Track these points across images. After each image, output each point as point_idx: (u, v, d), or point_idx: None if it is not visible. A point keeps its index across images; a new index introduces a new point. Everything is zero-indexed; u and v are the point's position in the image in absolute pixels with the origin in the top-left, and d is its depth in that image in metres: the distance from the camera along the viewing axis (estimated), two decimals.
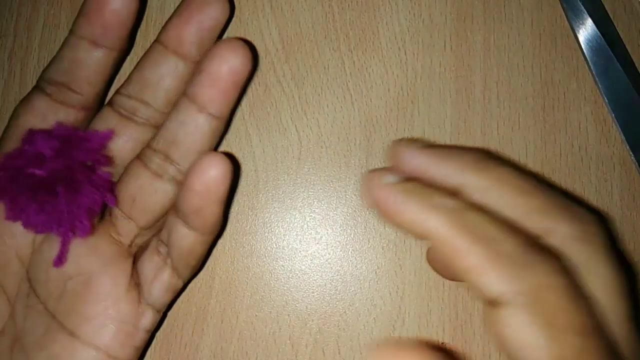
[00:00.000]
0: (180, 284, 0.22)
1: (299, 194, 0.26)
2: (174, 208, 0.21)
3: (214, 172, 0.18)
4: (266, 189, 0.26)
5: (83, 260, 0.21)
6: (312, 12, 0.27)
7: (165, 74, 0.21)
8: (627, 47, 0.26)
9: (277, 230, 0.26)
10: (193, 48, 0.20)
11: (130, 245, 0.22)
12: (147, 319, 0.21)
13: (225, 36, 0.27)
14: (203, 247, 0.21)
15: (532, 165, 0.26)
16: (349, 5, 0.27)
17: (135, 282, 0.21)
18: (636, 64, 0.26)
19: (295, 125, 0.26)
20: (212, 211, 0.19)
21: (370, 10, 0.27)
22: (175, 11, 0.21)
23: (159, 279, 0.21)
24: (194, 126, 0.20)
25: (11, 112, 0.22)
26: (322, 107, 0.26)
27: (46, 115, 0.20)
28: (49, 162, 0.19)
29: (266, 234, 0.25)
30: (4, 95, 0.26)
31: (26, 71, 0.26)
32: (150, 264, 0.21)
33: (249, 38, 0.27)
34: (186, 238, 0.20)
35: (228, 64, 0.19)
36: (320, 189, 0.26)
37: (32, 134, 0.20)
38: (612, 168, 0.26)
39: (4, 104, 0.26)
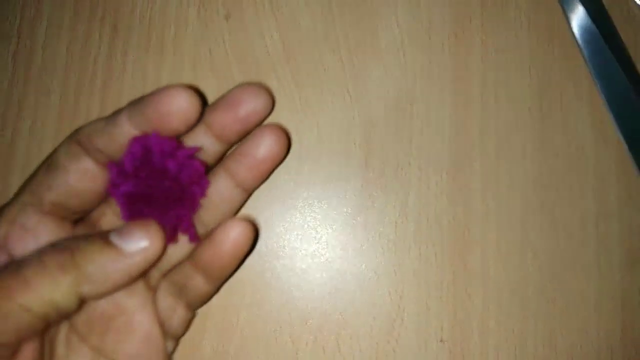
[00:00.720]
0: (192, 315, 0.24)
1: (299, 194, 0.26)
2: (191, 258, 0.22)
3: (239, 234, 0.21)
4: (266, 189, 0.26)
5: (124, 301, 0.22)
6: (312, 14, 0.27)
7: (204, 150, 0.23)
8: None
9: (277, 230, 0.26)
10: (234, 136, 0.22)
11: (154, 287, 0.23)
12: (170, 349, 0.23)
13: (226, 37, 0.27)
14: (215, 291, 0.23)
15: (530, 165, 0.26)
16: (348, 8, 0.27)
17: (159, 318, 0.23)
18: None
19: (296, 126, 0.26)
20: (231, 267, 0.22)
21: (369, 12, 0.27)
22: (221, 100, 0.22)
23: (176, 315, 0.23)
24: (229, 196, 0.23)
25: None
26: (322, 108, 0.26)
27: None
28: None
29: (267, 233, 0.26)
30: (7, 96, 0.27)
31: (30, 72, 0.27)
32: (164, 302, 0.23)
33: (249, 39, 0.27)
34: (203, 286, 0.22)
35: (267, 150, 0.22)
36: (320, 189, 0.26)
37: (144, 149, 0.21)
38: (610, 168, 0.26)
39: (8, 104, 0.26)
